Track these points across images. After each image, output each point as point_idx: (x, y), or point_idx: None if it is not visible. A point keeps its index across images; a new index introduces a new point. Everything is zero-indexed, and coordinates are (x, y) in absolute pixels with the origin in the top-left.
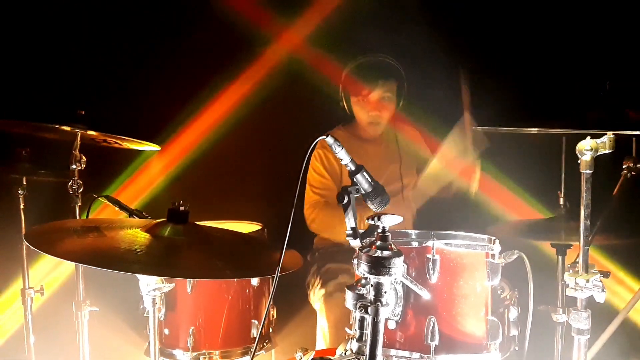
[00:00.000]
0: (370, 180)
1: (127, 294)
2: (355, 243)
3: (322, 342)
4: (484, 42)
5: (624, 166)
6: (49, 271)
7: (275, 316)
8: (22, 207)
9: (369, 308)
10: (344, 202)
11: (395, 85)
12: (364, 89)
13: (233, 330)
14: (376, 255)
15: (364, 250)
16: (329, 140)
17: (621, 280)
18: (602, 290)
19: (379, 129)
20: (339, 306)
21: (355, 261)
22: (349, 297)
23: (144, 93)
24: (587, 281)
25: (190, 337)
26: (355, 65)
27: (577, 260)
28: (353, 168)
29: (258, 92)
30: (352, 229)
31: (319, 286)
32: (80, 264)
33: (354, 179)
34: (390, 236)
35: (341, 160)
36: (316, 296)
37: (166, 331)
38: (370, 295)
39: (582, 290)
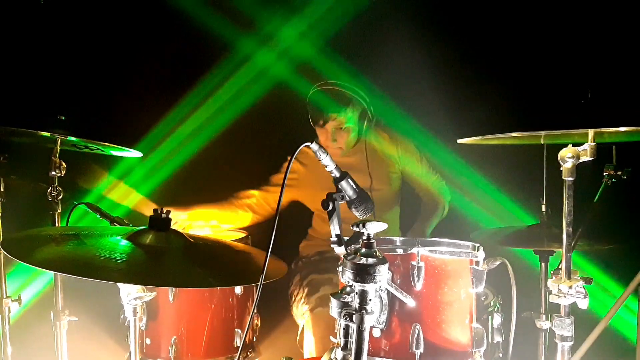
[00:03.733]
0: (355, 187)
1: (107, 303)
2: (340, 250)
3: (309, 355)
4: (467, 53)
5: (604, 174)
6: (28, 280)
7: (259, 325)
8: None
9: (354, 316)
10: (329, 209)
11: (353, 113)
12: (318, 120)
13: (216, 339)
14: (361, 262)
15: (349, 258)
16: (314, 146)
17: (603, 286)
18: (585, 297)
19: (340, 152)
20: (323, 321)
21: (340, 269)
22: (334, 305)
23: (126, 99)
24: (570, 287)
25: (172, 346)
26: (311, 94)
27: (559, 267)
28: (338, 175)
29: (241, 99)
30: (337, 236)
31: (302, 301)
32: (58, 273)
33: (339, 186)
34: (375, 243)
35: (326, 166)
36: (299, 311)
37: (147, 341)
38: (355, 303)
39: (565, 297)
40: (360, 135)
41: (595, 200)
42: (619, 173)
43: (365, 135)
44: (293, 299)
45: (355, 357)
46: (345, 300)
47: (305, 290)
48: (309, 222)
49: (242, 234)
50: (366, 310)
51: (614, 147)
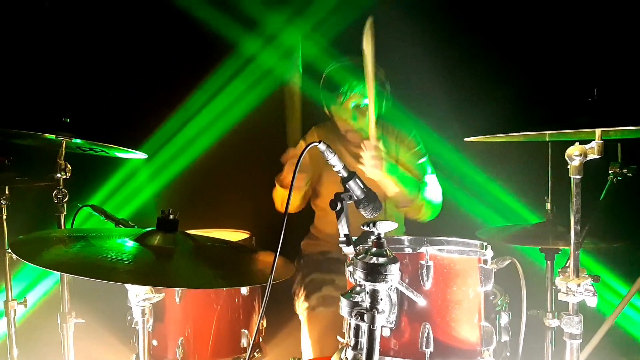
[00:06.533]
0: (362, 186)
1: (114, 305)
2: (349, 250)
3: (306, 354)
4: (473, 52)
5: (610, 172)
6: (33, 282)
7: (265, 325)
8: (4, 217)
9: (365, 315)
10: (337, 209)
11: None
12: (338, 96)
13: (223, 340)
14: (372, 262)
15: (360, 257)
16: (322, 147)
17: (608, 285)
18: (594, 295)
19: (359, 136)
20: (320, 321)
21: (350, 268)
22: (344, 304)
23: (131, 100)
24: (579, 285)
25: (179, 347)
26: (329, 71)
27: (567, 265)
28: (345, 175)
29: (246, 100)
30: (345, 236)
31: (302, 298)
32: (65, 275)
33: (347, 186)
34: (385, 242)
35: (333, 167)
36: (300, 308)
37: (154, 342)
38: (366, 303)
39: (573, 295)
40: (379, 116)
41: (601, 198)
42: (625, 171)
43: (383, 115)
44: (295, 298)
45: (367, 356)
46: (356, 300)
47: (307, 289)
48: (311, 220)
49: (246, 235)
50: (377, 310)
51: (619, 144)
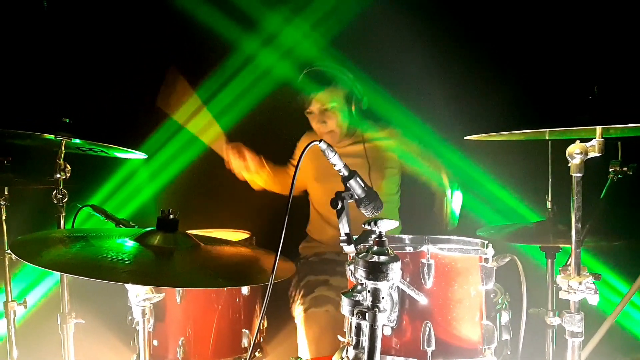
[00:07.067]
0: (363, 185)
1: (114, 306)
2: (350, 249)
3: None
4: (473, 50)
5: (610, 170)
6: (33, 283)
7: (265, 325)
8: (4, 217)
9: (367, 314)
10: (338, 208)
11: (335, 92)
12: (304, 105)
13: (223, 340)
14: (373, 260)
15: (361, 256)
16: (322, 145)
17: (609, 283)
18: (595, 293)
19: (334, 138)
20: (315, 323)
21: (351, 267)
22: (346, 303)
23: (130, 100)
24: (580, 284)
25: (180, 348)
26: (298, 83)
27: (568, 263)
28: (346, 173)
29: (245, 100)
30: (346, 234)
31: (298, 302)
32: (65, 275)
33: (347, 185)
34: (387, 241)
35: (334, 165)
36: (296, 312)
37: (155, 342)
38: (368, 301)
39: (575, 293)
40: (351, 118)
41: (601, 197)
42: (625, 169)
43: (357, 117)
44: (292, 301)
45: (368, 355)
46: (357, 298)
47: (302, 292)
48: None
49: (246, 235)
50: (379, 308)
51: (619, 143)
